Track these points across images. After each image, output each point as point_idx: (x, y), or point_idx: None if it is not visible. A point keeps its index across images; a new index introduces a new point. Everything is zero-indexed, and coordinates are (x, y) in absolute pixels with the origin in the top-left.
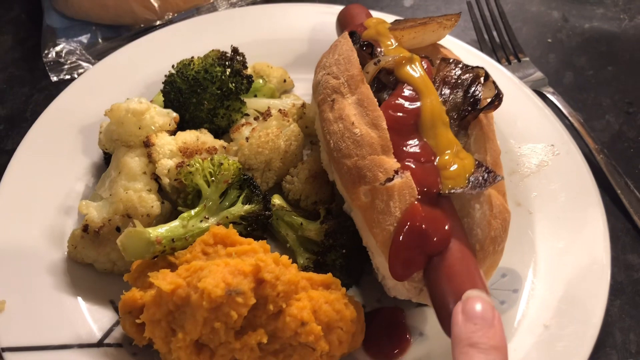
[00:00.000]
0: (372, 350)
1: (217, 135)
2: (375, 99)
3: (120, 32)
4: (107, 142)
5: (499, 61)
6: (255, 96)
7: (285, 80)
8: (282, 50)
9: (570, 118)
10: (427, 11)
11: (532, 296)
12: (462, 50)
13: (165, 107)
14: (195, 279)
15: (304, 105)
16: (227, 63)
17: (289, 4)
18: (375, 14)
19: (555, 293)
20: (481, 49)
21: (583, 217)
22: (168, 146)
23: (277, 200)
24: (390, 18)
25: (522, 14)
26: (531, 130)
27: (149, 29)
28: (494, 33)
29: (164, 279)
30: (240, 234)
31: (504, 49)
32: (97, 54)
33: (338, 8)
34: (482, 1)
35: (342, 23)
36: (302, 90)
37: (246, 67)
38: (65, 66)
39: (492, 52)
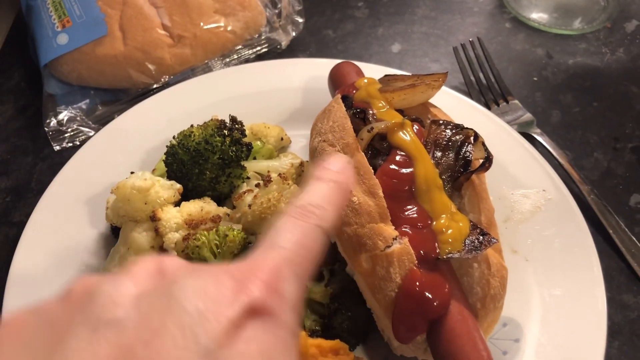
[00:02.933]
0: None
1: (220, 201)
2: (371, 167)
3: (118, 96)
4: (114, 217)
5: (487, 104)
6: (255, 158)
7: (282, 138)
8: (277, 105)
9: (559, 159)
10: (415, 55)
11: (533, 345)
12: (451, 98)
13: (169, 176)
14: None
15: (302, 164)
16: (226, 132)
17: (281, 60)
18: (364, 65)
19: (555, 341)
20: (469, 92)
21: (578, 263)
22: (174, 219)
23: None
24: (380, 70)
25: (508, 53)
26: (523, 176)
27: (147, 92)
28: (481, 75)
29: None
30: None
31: (491, 92)
32: (97, 120)
33: (330, 61)
34: (468, 45)
35: (334, 81)
36: (299, 145)
37: (245, 135)
38: (67, 134)
39: (480, 95)
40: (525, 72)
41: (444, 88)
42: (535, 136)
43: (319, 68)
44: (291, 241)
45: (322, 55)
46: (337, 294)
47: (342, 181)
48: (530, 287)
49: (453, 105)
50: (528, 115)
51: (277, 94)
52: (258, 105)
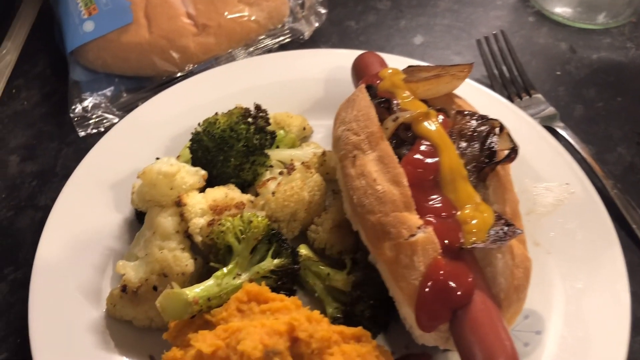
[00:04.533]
0: None
1: (243, 188)
2: (395, 156)
3: (142, 84)
4: (140, 202)
5: (510, 97)
6: (278, 147)
7: (304, 128)
8: (300, 95)
9: (582, 153)
10: (437, 47)
11: (554, 337)
12: (475, 90)
13: (193, 163)
14: (234, 340)
15: (324, 153)
16: (250, 120)
17: (304, 50)
18: (387, 56)
19: (577, 333)
20: (492, 85)
21: (601, 256)
22: (199, 205)
23: (303, 250)
24: (403, 61)
25: (531, 47)
26: (546, 169)
27: (171, 80)
28: (504, 68)
29: (204, 341)
30: (271, 287)
31: (514, 85)
32: (121, 107)
33: (352, 52)
34: (491, 37)
35: (357, 72)
36: (321, 135)
37: (269, 123)
38: (92, 120)
39: (503, 88)
40: (549, 66)
41: (467, 80)
42: (558, 130)
43: (341, 59)
44: None
45: (344, 46)
46: (359, 282)
47: None
48: (552, 279)
49: (476, 97)
50: (551, 109)
51: (300, 83)
52: (280, 95)
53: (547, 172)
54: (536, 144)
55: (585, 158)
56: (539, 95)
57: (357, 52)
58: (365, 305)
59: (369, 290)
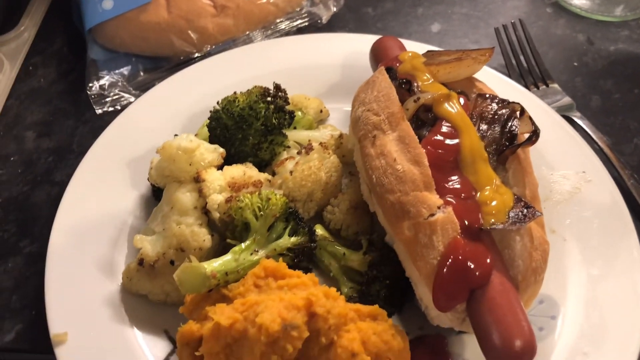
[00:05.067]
0: None
1: (261, 167)
2: (416, 136)
3: (160, 64)
4: (158, 177)
5: (527, 87)
6: (295, 128)
7: (321, 111)
8: (316, 79)
9: (599, 142)
10: (455, 36)
11: (569, 323)
12: (493, 78)
13: (211, 141)
14: (252, 313)
15: (341, 135)
16: (270, 99)
17: (322, 34)
18: (405, 42)
19: (592, 320)
20: (510, 74)
21: (617, 245)
22: (217, 182)
23: (319, 230)
24: (421, 47)
25: (548, 38)
26: (562, 157)
27: (188, 61)
28: (522, 58)
29: (222, 314)
30: (288, 265)
31: (532, 75)
32: (138, 86)
33: (370, 37)
34: (510, 26)
35: (376, 55)
36: (337, 118)
37: (288, 103)
38: (108, 99)
39: (520, 78)
40: (566, 57)
41: (485, 67)
42: (575, 119)
43: (359, 44)
44: None
45: (361, 32)
46: (375, 262)
47: None
48: (567, 266)
49: (494, 84)
50: (567, 99)
51: (317, 67)
52: (297, 78)
53: (564, 160)
54: (553, 131)
55: (602, 148)
56: (556, 86)
57: (375, 37)
58: (381, 285)
59: (385, 270)
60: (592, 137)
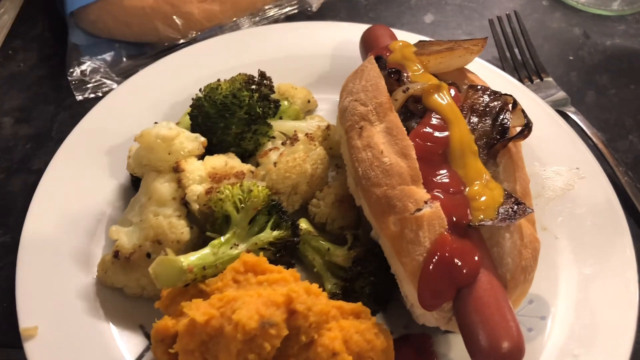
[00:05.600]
0: None
1: (244, 158)
2: (404, 128)
3: (143, 50)
4: (136, 166)
5: (521, 80)
6: (281, 118)
7: (309, 101)
8: (305, 68)
9: (593, 138)
10: (448, 27)
11: (559, 324)
12: (485, 70)
13: (193, 130)
14: (229, 310)
15: (328, 127)
16: (254, 87)
17: (311, 22)
18: (397, 32)
19: (583, 321)
20: (503, 67)
21: (610, 244)
22: (197, 172)
23: (303, 224)
24: (412, 37)
25: (543, 31)
26: (556, 153)
27: (173, 47)
28: (516, 51)
29: (197, 310)
30: (269, 260)
31: (526, 68)
32: (121, 72)
33: (361, 26)
34: (504, 18)
35: (366, 44)
36: (325, 109)
37: (273, 92)
38: (90, 85)
39: (514, 71)
40: (561, 51)
41: (478, 60)
42: (570, 114)
43: (349, 33)
44: None
45: (352, 21)
46: (360, 258)
47: None
48: (558, 265)
49: (486, 77)
50: (562, 94)
51: (306, 56)
52: (285, 67)
53: (557, 156)
54: (547, 126)
55: (596, 144)
56: (550, 79)
57: (365, 26)
58: (366, 281)
59: (370, 266)
60: (586, 132)
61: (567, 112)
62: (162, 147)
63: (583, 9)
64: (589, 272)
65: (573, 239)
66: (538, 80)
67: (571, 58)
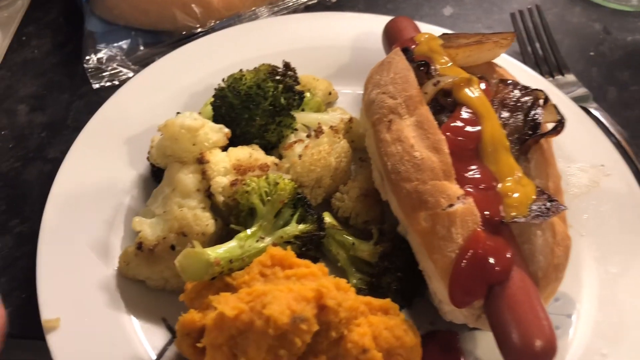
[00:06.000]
0: None
1: (266, 150)
2: (436, 122)
3: (160, 38)
4: (159, 157)
5: (542, 75)
6: (303, 110)
7: (330, 93)
8: (324, 59)
9: (616, 135)
10: (467, 20)
11: (586, 322)
12: (508, 64)
13: (215, 121)
14: (259, 304)
15: (351, 119)
16: (278, 78)
17: (331, 13)
18: (419, 24)
19: (610, 319)
20: (524, 62)
21: (636, 241)
22: (222, 163)
23: (327, 218)
24: (435, 30)
25: (563, 26)
26: (580, 150)
27: (190, 36)
28: (537, 45)
29: (226, 304)
30: (294, 254)
31: (547, 63)
32: (137, 61)
33: (381, 18)
34: (526, 13)
35: (390, 36)
36: (346, 101)
37: (298, 83)
38: (106, 73)
39: (536, 66)
40: (581, 47)
41: (499, 59)
42: (592, 110)
43: (369, 24)
44: None
45: (371, 12)
46: (387, 253)
47: None
48: (584, 262)
49: (509, 71)
50: (584, 90)
51: (325, 47)
52: (304, 58)
53: (582, 153)
54: (570, 122)
55: (619, 141)
56: (572, 75)
57: (386, 18)
58: (393, 277)
59: (397, 262)
60: (609, 129)
61: (589, 109)
62: (186, 137)
63: (603, 4)
64: (615, 270)
65: (599, 236)
66: (559, 75)
67: (592, 54)
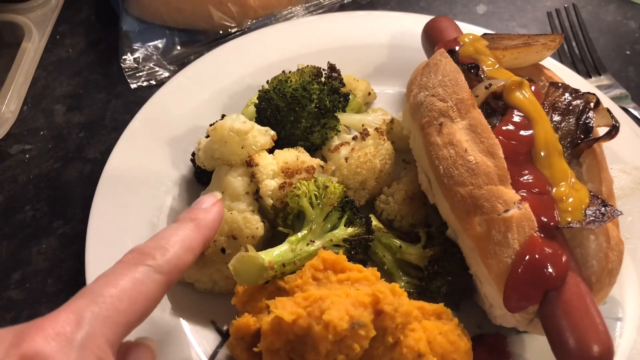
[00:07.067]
0: None
1: (310, 152)
2: (489, 126)
3: (196, 38)
4: (207, 159)
5: (578, 75)
6: (344, 111)
7: (369, 93)
8: (362, 59)
9: None
10: (502, 19)
11: (634, 326)
12: (549, 65)
13: (259, 122)
14: (317, 309)
15: (392, 120)
16: (324, 80)
17: (367, 12)
18: (458, 24)
19: None
20: (561, 61)
21: None
22: (270, 166)
23: (373, 220)
24: (471, 30)
25: (598, 24)
26: (623, 150)
27: (226, 35)
28: (574, 44)
29: (284, 308)
30: None
31: (584, 63)
32: (173, 60)
33: (417, 17)
34: (562, 11)
35: (431, 36)
36: (383, 101)
37: (343, 85)
38: (142, 72)
39: (572, 65)
40: (617, 45)
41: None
42: (632, 110)
43: (405, 23)
44: (114, 290)
45: (403, 11)
46: (437, 257)
47: (201, 218)
48: (630, 266)
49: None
50: (622, 90)
51: (361, 46)
52: (341, 57)
53: (624, 154)
54: None
55: None
56: (609, 75)
57: (422, 16)
58: (443, 281)
59: (447, 266)
60: None
61: (628, 109)
62: (235, 140)
63: (638, 1)
64: None
65: None
66: (597, 75)
67: (628, 52)
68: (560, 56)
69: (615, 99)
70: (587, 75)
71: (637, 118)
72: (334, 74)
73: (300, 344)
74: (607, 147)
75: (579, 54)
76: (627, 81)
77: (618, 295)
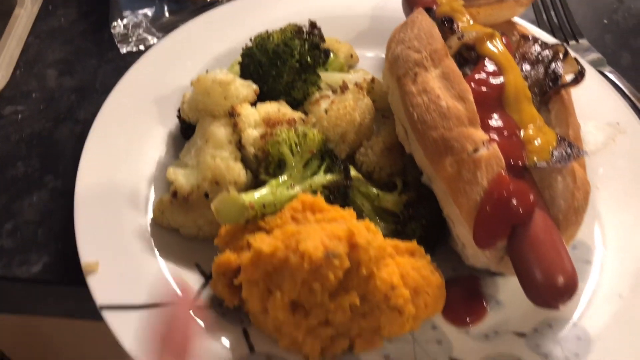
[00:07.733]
0: (451, 317)
1: (292, 107)
2: (460, 72)
3: (184, 6)
4: (191, 111)
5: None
6: (327, 70)
7: (352, 56)
8: (344, 27)
9: (631, 97)
10: None
11: (604, 268)
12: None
13: (242, 78)
14: (293, 241)
15: (373, 79)
16: (305, 37)
17: None
18: None
19: (627, 265)
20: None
21: None
22: (252, 116)
23: (352, 171)
24: None
25: None
26: (596, 108)
27: (213, 3)
28: (552, 13)
29: (262, 242)
30: None
31: (562, 30)
32: (162, 27)
33: None
34: None
35: (410, 1)
36: (366, 65)
37: (324, 41)
38: (132, 39)
39: (551, 33)
40: (595, 15)
41: (517, 19)
42: (607, 73)
43: None
44: None
45: None
46: (412, 202)
47: None
48: (601, 213)
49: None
50: (598, 55)
51: (345, 14)
52: (325, 24)
53: (597, 111)
54: (586, 82)
55: (634, 103)
56: (586, 42)
57: None
58: (417, 224)
59: (421, 209)
60: (624, 91)
61: (604, 72)
62: (218, 91)
63: None
64: (631, 219)
65: (614, 189)
66: (574, 42)
67: (605, 22)
68: (539, 24)
69: (592, 62)
70: (564, 41)
71: (612, 82)
72: (314, 31)
73: (277, 275)
74: (582, 104)
75: (557, 22)
76: (604, 48)
77: (591, 240)
